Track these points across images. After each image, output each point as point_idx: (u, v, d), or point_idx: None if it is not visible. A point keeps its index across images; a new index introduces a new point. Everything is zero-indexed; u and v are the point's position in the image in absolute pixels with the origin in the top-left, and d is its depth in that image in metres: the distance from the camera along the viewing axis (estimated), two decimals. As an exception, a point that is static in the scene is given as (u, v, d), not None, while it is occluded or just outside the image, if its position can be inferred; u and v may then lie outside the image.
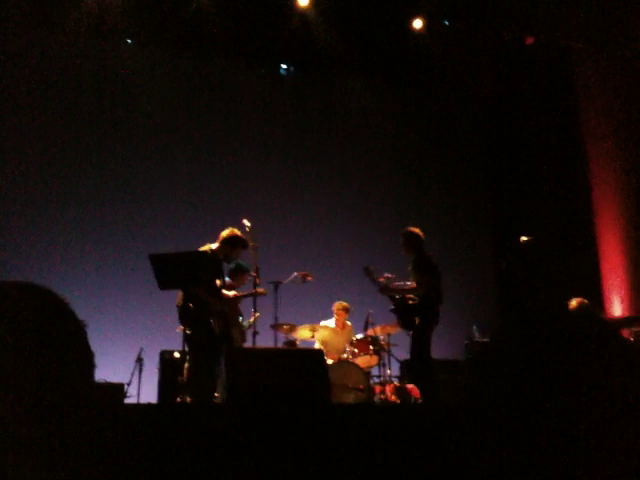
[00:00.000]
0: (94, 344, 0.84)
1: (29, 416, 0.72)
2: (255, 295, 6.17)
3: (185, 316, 5.59)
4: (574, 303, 6.52)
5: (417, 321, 6.19)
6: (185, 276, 5.35)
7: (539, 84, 9.75)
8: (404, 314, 6.28)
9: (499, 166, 10.83)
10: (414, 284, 6.32)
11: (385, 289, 6.43)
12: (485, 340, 7.40)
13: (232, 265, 6.32)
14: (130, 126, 9.18)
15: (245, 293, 6.32)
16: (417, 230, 6.54)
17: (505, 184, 10.66)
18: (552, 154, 9.63)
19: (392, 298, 6.35)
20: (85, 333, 0.82)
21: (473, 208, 10.72)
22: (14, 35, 8.48)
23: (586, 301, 6.54)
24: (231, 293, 6.16)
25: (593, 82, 9.10)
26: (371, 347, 6.97)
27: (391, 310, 6.37)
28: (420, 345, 6.18)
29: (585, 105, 9.27)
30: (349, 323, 7.68)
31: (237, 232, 6.01)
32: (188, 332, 5.49)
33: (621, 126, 8.74)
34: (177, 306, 5.69)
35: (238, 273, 6.44)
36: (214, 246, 5.94)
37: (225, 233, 5.99)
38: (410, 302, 6.24)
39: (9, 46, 8.48)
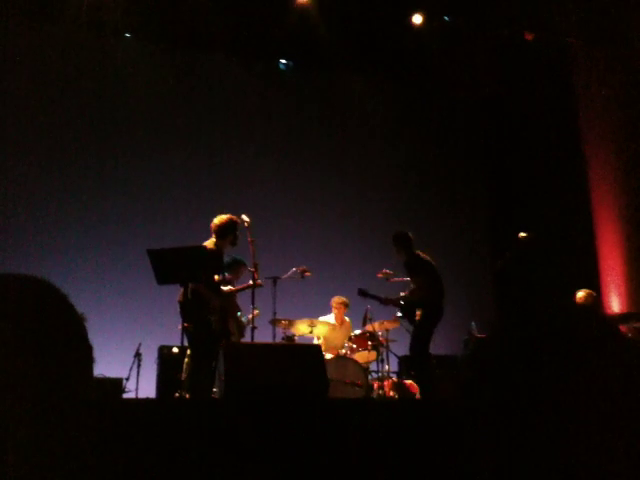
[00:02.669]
0: (92, 339, 0.84)
1: (28, 410, 0.72)
2: (251, 287, 6.17)
3: (186, 312, 5.59)
4: (581, 295, 6.54)
5: (418, 316, 6.21)
6: (183, 271, 5.35)
7: (538, 82, 9.73)
8: (411, 312, 6.33)
9: (498, 164, 10.83)
10: (414, 286, 6.37)
11: (388, 300, 6.49)
12: (484, 336, 7.43)
13: (228, 259, 6.32)
14: (128, 121, 9.15)
15: (241, 287, 6.33)
16: (401, 232, 6.58)
17: (504, 181, 10.66)
18: (551, 152, 9.63)
19: (397, 305, 6.40)
20: (84, 327, 0.82)
21: (472, 205, 10.72)
22: (12, 28, 8.44)
23: (593, 293, 6.58)
24: (227, 288, 6.15)
25: (592, 80, 9.09)
26: (369, 343, 6.97)
27: (400, 317, 6.45)
28: (420, 340, 6.19)
29: (584, 103, 9.26)
30: (347, 319, 7.69)
31: (223, 218, 6.00)
32: (190, 328, 5.48)
33: (620, 124, 8.74)
34: (178, 302, 5.70)
35: (234, 266, 6.44)
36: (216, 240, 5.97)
37: (213, 227, 6.01)
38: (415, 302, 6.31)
39: (6, 39, 8.44)
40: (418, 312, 6.23)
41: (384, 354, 6.98)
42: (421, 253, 6.51)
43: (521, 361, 0.79)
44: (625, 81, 8.61)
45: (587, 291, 6.57)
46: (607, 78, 8.85)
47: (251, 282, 6.18)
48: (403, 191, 10.24)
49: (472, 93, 10.48)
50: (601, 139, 9.02)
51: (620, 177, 8.73)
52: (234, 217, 6.03)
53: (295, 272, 6.97)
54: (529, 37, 9.31)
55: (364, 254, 9.02)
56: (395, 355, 7.21)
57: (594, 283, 8.50)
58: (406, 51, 9.43)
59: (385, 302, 6.52)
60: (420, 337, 6.21)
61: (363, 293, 6.58)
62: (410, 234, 6.58)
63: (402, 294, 6.49)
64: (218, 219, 6.01)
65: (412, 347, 6.28)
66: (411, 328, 6.38)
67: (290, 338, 6.95)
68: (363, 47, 9.23)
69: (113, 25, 8.56)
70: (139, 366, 6.79)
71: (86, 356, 0.80)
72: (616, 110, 8.79)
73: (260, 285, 6.21)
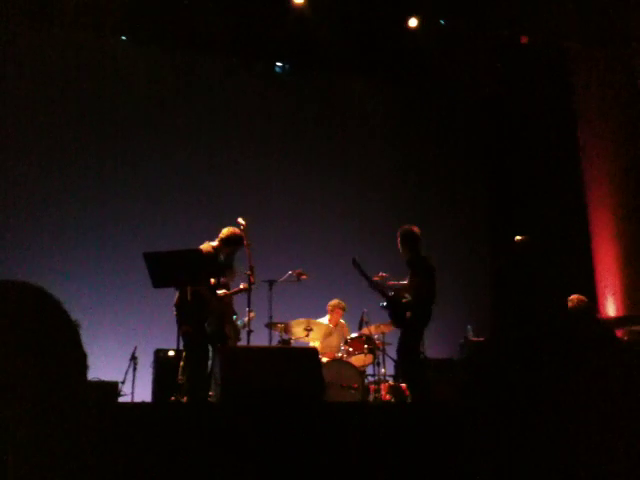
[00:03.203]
0: (88, 342, 0.83)
1: (21, 415, 0.71)
2: (241, 292, 6.21)
3: (183, 314, 5.58)
4: (573, 299, 6.54)
5: (410, 319, 6.12)
6: (179, 274, 5.34)
7: (537, 83, 9.75)
8: (396, 311, 6.21)
9: (498, 164, 10.85)
10: (407, 283, 6.25)
11: (376, 284, 6.32)
12: (480, 339, 7.42)
13: (221, 262, 6.32)
14: (126, 124, 9.15)
15: (232, 291, 6.35)
16: (414, 229, 6.44)
17: (501, 184, 10.68)
18: (549, 154, 9.65)
19: (384, 294, 6.27)
20: (78, 334, 0.81)
21: (472, 205, 10.74)
22: (12, 30, 8.42)
23: (584, 298, 6.56)
24: (222, 292, 6.16)
25: (591, 81, 9.10)
26: (366, 346, 6.96)
27: (382, 306, 6.28)
28: (409, 343, 6.11)
29: (584, 104, 9.27)
30: (343, 321, 7.68)
31: (236, 230, 6.03)
32: (188, 331, 5.48)
33: (618, 125, 8.74)
34: (175, 305, 5.69)
35: (228, 269, 6.44)
36: (214, 244, 5.96)
37: (223, 232, 6.03)
38: (404, 300, 6.17)
39: (7, 41, 8.41)
40: (408, 314, 6.13)
41: (380, 357, 6.98)
42: (427, 256, 6.38)
43: (519, 363, 0.79)
44: (625, 81, 8.62)
45: (578, 296, 6.57)
46: (607, 78, 8.85)
47: (241, 286, 6.21)
48: (403, 191, 10.25)
49: (472, 93, 10.50)
50: (601, 139, 9.03)
51: (619, 177, 8.73)
52: (244, 238, 6.02)
53: (291, 275, 6.96)
54: (524, 40, 9.33)
55: (361, 256, 9.01)
56: (391, 358, 7.18)
57: (590, 286, 8.51)
58: (405, 52, 9.46)
59: (371, 285, 6.29)
60: (407, 340, 6.12)
61: (357, 265, 6.32)
62: (417, 231, 6.39)
63: (395, 285, 6.37)
64: (232, 230, 6.03)
65: (399, 350, 6.19)
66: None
67: (286, 341, 6.95)
68: (362, 48, 9.24)
69: (113, 26, 8.57)
70: (135, 369, 6.79)
71: (80, 362, 0.79)
72: (616, 110, 8.79)
73: (246, 289, 6.16)
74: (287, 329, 6.98)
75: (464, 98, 10.66)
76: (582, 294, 6.72)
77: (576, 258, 8.78)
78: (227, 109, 9.60)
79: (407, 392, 6.60)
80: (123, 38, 9.19)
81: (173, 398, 5.41)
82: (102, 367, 5.61)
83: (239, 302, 6.56)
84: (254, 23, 8.82)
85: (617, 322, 7.15)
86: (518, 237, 6.78)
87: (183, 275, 5.35)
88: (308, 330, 7.03)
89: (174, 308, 5.70)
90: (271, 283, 6.77)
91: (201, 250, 5.70)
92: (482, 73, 9.68)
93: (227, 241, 5.98)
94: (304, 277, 6.99)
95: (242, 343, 6.40)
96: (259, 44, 9.21)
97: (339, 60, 9.23)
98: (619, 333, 6.53)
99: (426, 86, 10.40)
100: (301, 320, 7.07)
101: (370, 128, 10.24)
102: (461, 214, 10.50)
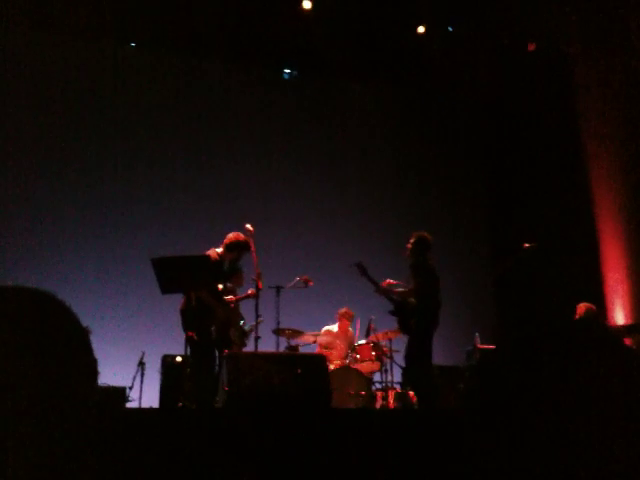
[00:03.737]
0: (96, 347, 0.84)
1: (31, 420, 0.72)
2: (248, 298, 6.22)
3: (188, 320, 5.59)
4: (582, 308, 6.51)
5: (414, 324, 6.06)
6: (187, 280, 5.35)
7: (537, 83, 9.73)
8: (403, 317, 6.17)
9: (498, 164, 10.83)
10: (410, 286, 6.19)
11: (383, 290, 6.24)
12: (487, 347, 7.39)
13: (226, 267, 6.33)
14: (132, 130, 9.18)
15: (239, 297, 6.36)
16: (428, 236, 6.39)
17: (504, 181, 10.64)
18: (552, 158, 9.62)
19: (391, 299, 6.23)
20: (89, 340, 0.82)
21: (473, 213, 10.72)
22: (15, 36, 8.48)
23: (592, 306, 6.52)
24: (229, 297, 6.17)
25: (592, 81, 9.06)
26: (373, 353, 6.95)
27: (390, 312, 6.24)
28: (418, 349, 6.05)
29: (584, 104, 9.24)
30: (351, 329, 7.68)
31: (239, 236, 6.04)
32: (194, 337, 5.48)
33: (621, 127, 8.70)
34: (180, 310, 5.70)
35: (234, 274, 6.44)
36: (219, 250, 5.97)
37: (227, 238, 6.04)
38: (411, 305, 6.12)
39: (9, 47, 8.48)
40: (412, 320, 6.07)
41: (387, 364, 6.96)
42: (431, 262, 6.34)
43: (525, 371, 0.80)
44: (625, 81, 8.58)
45: (587, 304, 6.54)
46: (607, 79, 8.82)
47: (249, 292, 6.22)
48: (406, 199, 10.25)
49: (473, 94, 10.50)
50: (601, 139, 8.99)
51: (620, 177, 8.68)
52: (250, 243, 6.03)
53: (298, 281, 6.97)
54: (532, 47, 9.33)
55: (367, 261, 9.00)
56: (399, 365, 7.16)
57: (598, 294, 8.45)
58: (410, 59, 9.47)
59: (378, 290, 6.19)
60: (415, 345, 6.05)
61: (361, 269, 6.20)
62: (430, 239, 6.33)
63: (400, 289, 6.32)
64: (235, 235, 6.04)
65: (406, 356, 6.12)
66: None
67: (293, 348, 6.95)
68: (364, 50, 9.24)
69: (117, 33, 8.63)
70: (142, 375, 6.80)
71: (90, 368, 0.80)
72: (616, 110, 8.74)
73: (254, 295, 6.16)
74: (294, 335, 6.98)
75: (464, 98, 10.65)
76: (590, 302, 6.69)
77: (584, 265, 8.69)
78: (233, 115, 9.63)
79: (414, 399, 6.57)
80: (132, 45, 9.25)
81: (181, 404, 5.41)
82: (110, 373, 5.62)
83: (246, 308, 6.56)
84: (261, 30, 8.85)
85: (625, 330, 7.10)
86: (526, 244, 6.73)
87: (191, 281, 5.35)
88: (315, 336, 7.04)
89: (180, 313, 5.72)
90: (278, 289, 6.78)
91: (208, 256, 5.71)
92: (482, 73, 9.67)
93: (231, 246, 5.98)
94: (311, 283, 6.99)
95: (249, 349, 6.39)
96: (266, 51, 9.25)
97: (340, 62, 9.24)
98: (628, 341, 6.49)
99: (426, 87, 10.39)
100: (309, 333, 7.10)
101: (376, 134, 10.25)
102: (461, 214, 10.48)
